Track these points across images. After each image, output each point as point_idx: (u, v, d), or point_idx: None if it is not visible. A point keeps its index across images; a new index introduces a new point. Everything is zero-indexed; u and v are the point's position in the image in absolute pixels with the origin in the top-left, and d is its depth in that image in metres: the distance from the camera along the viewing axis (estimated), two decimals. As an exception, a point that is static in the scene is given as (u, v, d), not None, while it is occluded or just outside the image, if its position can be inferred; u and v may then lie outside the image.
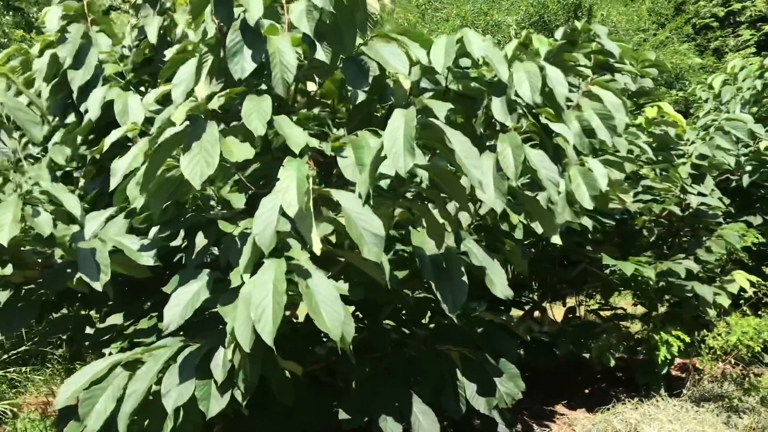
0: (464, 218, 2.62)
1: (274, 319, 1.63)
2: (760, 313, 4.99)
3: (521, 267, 2.64)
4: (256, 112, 1.88)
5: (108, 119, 2.64)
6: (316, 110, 2.91)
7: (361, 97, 2.43)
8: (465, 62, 2.80)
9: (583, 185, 2.56)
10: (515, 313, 5.18)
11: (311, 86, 2.53)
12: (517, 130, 2.73)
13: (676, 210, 4.23)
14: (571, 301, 5.82)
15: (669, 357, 4.43)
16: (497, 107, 2.46)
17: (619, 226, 4.59)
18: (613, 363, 4.47)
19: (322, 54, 2.16)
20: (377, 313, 2.80)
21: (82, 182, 2.93)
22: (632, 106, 4.81)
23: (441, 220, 2.40)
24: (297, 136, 1.88)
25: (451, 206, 2.46)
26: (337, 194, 1.83)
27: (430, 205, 2.52)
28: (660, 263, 4.23)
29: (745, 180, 5.09)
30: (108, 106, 2.64)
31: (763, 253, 5.54)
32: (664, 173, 4.47)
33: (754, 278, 4.64)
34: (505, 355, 3.30)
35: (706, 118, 5.38)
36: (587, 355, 4.48)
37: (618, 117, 2.79)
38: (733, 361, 5.00)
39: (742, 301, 4.99)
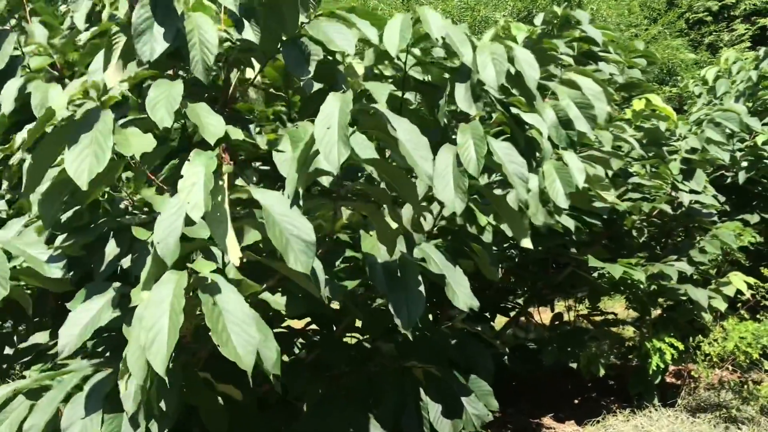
0: (426, 220, 2.35)
1: (168, 345, 1.35)
2: (758, 316, 4.71)
3: (492, 274, 2.37)
4: (164, 99, 1.60)
5: (28, 114, 2.36)
6: (281, 107, 2.64)
7: (316, 86, 2.17)
8: (439, 52, 2.53)
9: (557, 181, 2.28)
10: (500, 319, 4.92)
11: (251, 74, 2.25)
12: (485, 121, 2.46)
13: (667, 209, 3.96)
14: (560, 306, 5.55)
15: (662, 366, 4.16)
16: (461, 95, 2.19)
17: (608, 226, 4.33)
18: (602, 372, 4.19)
19: (251, 34, 1.88)
20: (335, 327, 2.53)
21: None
22: (620, 100, 4.55)
23: (394, 224, 2.13)
24: (214, 126, 1.60)
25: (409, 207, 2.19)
26: (259, 193, 1.55)
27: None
28: (651, 265, 3.96)
29: (741, 176, 4.83)
30: (28, 100, 2.36)
31: (761, 253, 5.27)
32: (654, 170, 4.21)
33: (751, 280, 4.37)
34: (479, 369, 3.04)
35: (699, 112, 5.11)
36: (575, 365, 4.20)
37: (598, 106, 2.52)
38: (730, 368, 4.73)
39: (739, 305, 4.73)
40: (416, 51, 2.61)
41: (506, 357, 4.56)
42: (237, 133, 1.68)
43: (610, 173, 3.96)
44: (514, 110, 2.41)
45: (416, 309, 1.96)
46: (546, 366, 4.31)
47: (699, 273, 4.36)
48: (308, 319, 2.65)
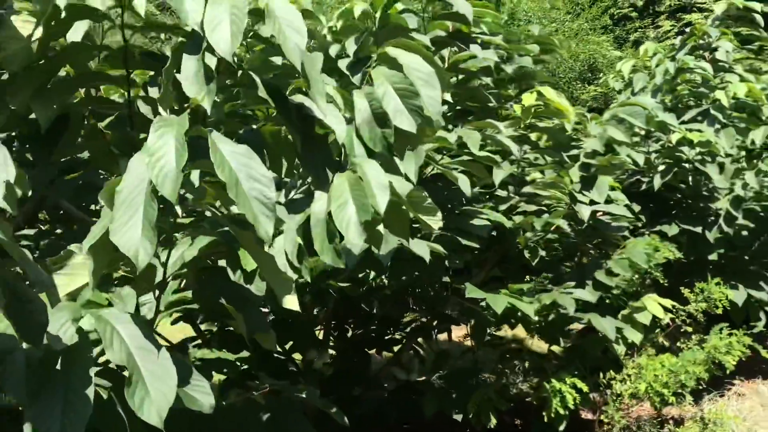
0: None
1: None
2: (679, 344, 4.07)
3: (267, 342, 1.58)
4: None
5: None
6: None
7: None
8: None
9: (350, 205, 1.50)
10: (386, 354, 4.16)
11: None
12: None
13: (564, 225, 3.26)
14: (460, 333, 4.84)
15: (563, 412, 3.46)
16: (189, 72, 1.40)
17: (500, 245, 3.62)
18: (494, 422, 3.47)
19: None
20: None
21: None
22: (514, 94, 3.84)
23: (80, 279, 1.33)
24: None
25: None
26: None
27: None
28: (545, 293, 3.26)
29: (657, 181, 4.19)
30: None
31: (683, 268, 4.64)
32: (559, 176, 3.52)
33: (668, 302, 3.71)
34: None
35: (614, 109, 4.46)
36: (459, 417, 3.46)
37: (427, 94, 1.76)
38: (649, 404, 4.08)
39: (658, 330, 4.07)
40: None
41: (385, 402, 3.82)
42: None
43: (497, 182, 3.27)
44: (297, 99, 1.64)
45: (76, 427, 1.16)
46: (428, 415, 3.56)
47: (612, 297, 3.70)
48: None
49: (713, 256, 4.46)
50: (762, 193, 4.10)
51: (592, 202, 3.29)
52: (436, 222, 1.62)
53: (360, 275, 2.93)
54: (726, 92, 4.27)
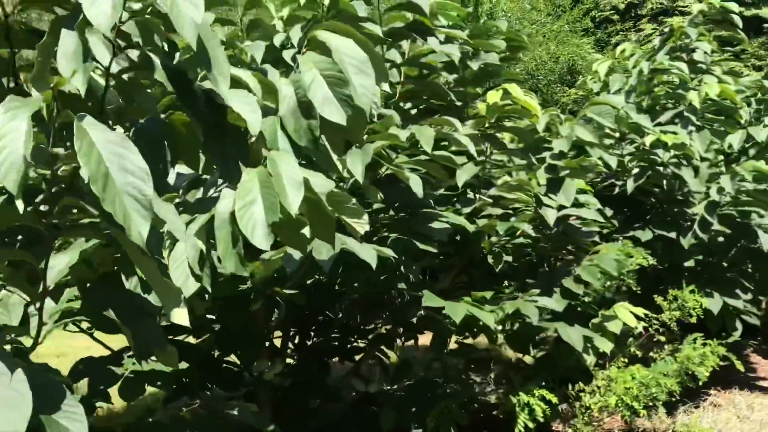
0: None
1: None
2: (652, 354, 3.91)
3: (167, 360, 1.39)
4: None
5: None
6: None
7: None
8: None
9: (258, 204, 1.32)
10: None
11: None
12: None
13: (529, 229, 3.08)
14: (427, 341, 4.66)
15: (532, 425, 3.29)
16: (66, 48, 1.21)
17: (466, 249, 3.45)
18: (456, 438, 3.28)
19: None
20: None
21: None
22: (482, 88, 3.67)
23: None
24: None
25: None
26: None
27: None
28: (509, 302, 3.08)
29: (629, 185, 4.03)
30: None
31: (658, 275, 4.49)
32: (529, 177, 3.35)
33: (641, 311, 3.54)
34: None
35: (584, 109, 4.31)
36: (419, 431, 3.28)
37: (360, 83, 1.58)
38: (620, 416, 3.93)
39: (631, 339, 3.91)
40: None
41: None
42: None
43: (460, 184, 3.10)
44: (207, 85, 1.45)
45: None
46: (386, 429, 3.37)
47: (582, 305, 3.54)
48: None
49: (689, 263, 4.31)
50: (738, 198, 3.96)
51: (561, 207, 3.12)
52: (362, 225, 1.43)
53: (309, 281, 2.75)
54: (698, 93, 4.12)
